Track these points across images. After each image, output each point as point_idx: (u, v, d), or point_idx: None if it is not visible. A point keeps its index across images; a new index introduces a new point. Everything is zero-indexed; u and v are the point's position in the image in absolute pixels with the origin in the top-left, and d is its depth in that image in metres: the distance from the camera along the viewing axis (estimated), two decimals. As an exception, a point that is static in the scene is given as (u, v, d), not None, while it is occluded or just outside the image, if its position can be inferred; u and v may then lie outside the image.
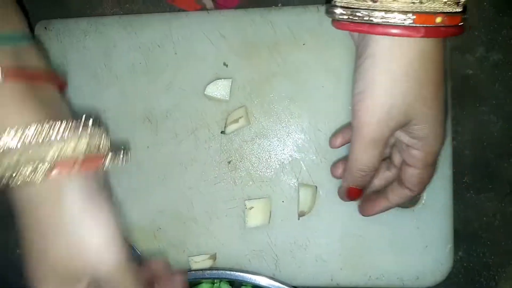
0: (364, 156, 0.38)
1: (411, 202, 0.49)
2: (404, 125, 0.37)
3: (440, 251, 0.48)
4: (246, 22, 0.49)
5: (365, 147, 0.38)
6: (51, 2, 0.55)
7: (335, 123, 0.49)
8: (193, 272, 0.48)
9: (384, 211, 0.44)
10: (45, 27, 0.52)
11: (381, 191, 0.44)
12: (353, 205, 0.49)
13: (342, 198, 0.45)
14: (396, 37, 0.34)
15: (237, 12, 0.50)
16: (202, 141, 0.50)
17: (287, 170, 0.50)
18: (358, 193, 0.43)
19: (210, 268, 0.49)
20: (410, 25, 0.33)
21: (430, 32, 0.33)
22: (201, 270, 0.48)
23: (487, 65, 0.51)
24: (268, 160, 0.50)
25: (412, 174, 0.39)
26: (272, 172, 0.50)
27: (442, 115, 0.37)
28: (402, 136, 0.39)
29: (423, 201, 0.49)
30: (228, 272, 0.47)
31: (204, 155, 0.50)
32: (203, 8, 0.52)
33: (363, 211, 0.46)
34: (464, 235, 0.51)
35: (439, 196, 0.48)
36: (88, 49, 0.52)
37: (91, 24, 0.52)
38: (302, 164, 0.50)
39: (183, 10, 0.52)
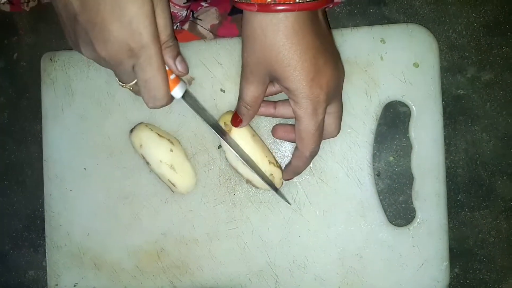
0: (245, 90, 0.44)
1: (407, 219, 0.50)
2: (273, 78, 0.42)
3: (436, 269, 0.49)
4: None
5: (245, 83, 0.44)
6: (56, 35, 0.57)
7: (329, 145, 0.50)
8: None
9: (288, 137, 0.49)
10: (51, 59, 0.55)
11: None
12: (351, 224, 0.50)
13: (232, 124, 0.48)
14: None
15: (233, 40, 0.51)
16: (202, 164, 0.52)
17: (285, 191, 0.51)
18: (240, 121, 0.47)
19: None
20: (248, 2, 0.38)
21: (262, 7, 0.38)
22: None
23: (478, 85, 0.51)
24: (266, 182, 0.51)
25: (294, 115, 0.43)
26: (270, 194, 0.51)
27: (302, 74, 0.40)
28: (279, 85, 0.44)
29: (418, 220, 0.50)
30: None
31: (204, 179, 0.52)
32: (202, 39, 0.54)
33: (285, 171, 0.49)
34: (460, 252, 0.52)
35: (434, 214, 0.49)
36: (92, 79, 0.54)
37: (94, 55, 0.54)
38: (299, 186, 0.51)
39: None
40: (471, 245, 0.52)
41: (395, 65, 0.50)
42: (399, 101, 0.50)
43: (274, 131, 0.50)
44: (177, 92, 0.45)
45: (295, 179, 0.51)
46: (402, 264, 0.50)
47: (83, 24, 0.39)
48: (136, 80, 0.43)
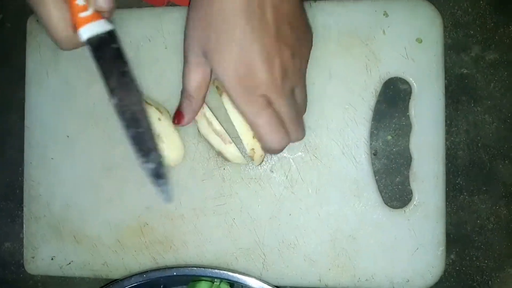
0: (192, 76, 0.41)
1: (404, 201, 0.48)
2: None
3: (432, 254, 0.47)
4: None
5: (190, 68, 0.41)
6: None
7: (325, 121, 0.48)
8: (194, 269, 0.47)
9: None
10: (37, 20, 0.52)
11: None
12: (345, 204, 0.48)
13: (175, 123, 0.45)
14: None
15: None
16: (191, 136, 0.50)
17: (277, 168, 0.49)
18: (182, 118, 0.44)
19: (211, 267, 0.48)
20: None
21: None
22: (202, 267, 0.47)
23: (482, 65, 0.49)
24: (258, 157, 0.49)
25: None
26: (261, 170, 0.49)
27: (226, 53, 0.37)
28: None
29: (415, 202, 0.48)
30: (231, 274, 0.46)
31: (193, 151, 0.50)
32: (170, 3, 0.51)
33: None
34: (457, 238, 0.50)
35: (431, 197, 0.47)
36: (79, 43, 0.51)
37: (82, 18, 0.51)
38: (292, 162, 0.49)
39: (173, 4, 0.52)
40: (469, 230, 0.50)
41: (398, 39, 0.48)
42: (400, 78, 0.48)
43: None
44: (83, 32, 0.36)
45: (288, 155, 0.49)
46: (396, 247, 0.48)
47: None
48: None
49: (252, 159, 0.46)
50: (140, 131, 0.40)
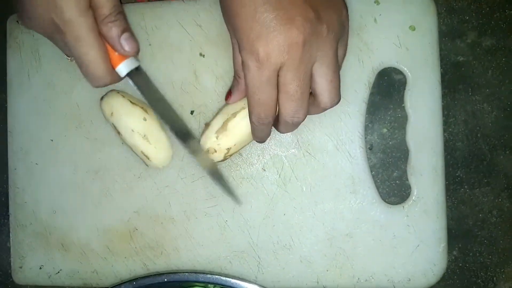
0: (233, 58, 0.41)
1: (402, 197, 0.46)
2: None
3: (433, 251, 0.45)
4: (223, 10, 0.47)
5: (233, 51, 0.41)
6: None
7: (318, 115, 0.46)
8: (186, 274, 0.45)
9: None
10: (17, 21, 0.51)
11: None
12: (340, 202, 0.46)
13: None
14: None
15: (214, 0, 0.47)
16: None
17: (269, 166, 0.47)
18: (230, 96, 0.44)
19: (204, 272, 0.46)
20: None
21: None
22: (195, 272, 0.45)
23: (479, 51, 0.48)
24: (249, 156, 0.47)
25: None
26: (253, 169, 0.47)
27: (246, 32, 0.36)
28: None
29: (413, 197, 0.46)
30: (225, 278, 0.45)
31: (181, 151, 0.48)
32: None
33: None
34: (459, 233, 0.48)
35: (430, 192, 0.46)
36: (61, 43, 0.50)
37: (63, 17, 0.50)
38: (284, 159, 0.47)
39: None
40: (471, 225, 0.48)
41: (390, 28, 0.46)
42: (393, 67, 0.46)
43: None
44: (122, 69, 0.41)
45: (280, 152, 0.47)
46: (395, 245, 0.46)
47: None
48: None
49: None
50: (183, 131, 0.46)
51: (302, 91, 0.37)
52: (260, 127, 0.41)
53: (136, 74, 0.42)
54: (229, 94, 0.44)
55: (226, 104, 0.45)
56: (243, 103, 0.44)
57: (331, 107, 0.40)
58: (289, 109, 0.38)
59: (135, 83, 0.43)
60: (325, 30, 0.36)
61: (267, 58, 0.35)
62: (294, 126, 0.40)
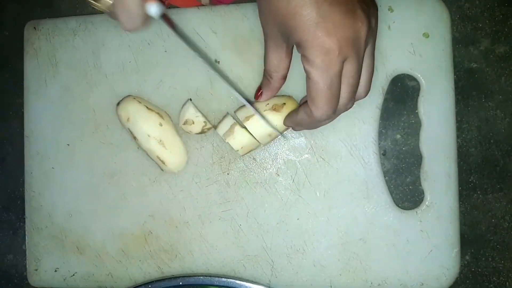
0: (265, 57, 0.41)
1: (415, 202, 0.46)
2: (286, 36, 0.38)
3: (446, 256, 0.46)
4: (238, 17, 0.48)
5: (265, 50, 0.41)
6: (40, 2, 0.54)
7: (332, 122, 0.47)
8: (201, 277, 0.46)
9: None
10: (34, 27, 0.51)
11: None
12: (354, 207, 0.46)
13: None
14: None
15: (229, 8, 0.48)
16: (194, 141, 0.48)
17: (283, 171, 0.48)
18: (260, 95, 0.44)
19: (218, 275, 0.46)
20: None
21: None
22: (210, 276, 0.46)
23: (492, 58, 0.48)
24: (263, 161, 0.48)
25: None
26: (267, 173, 0.48)
27: (303, 21, 0.35)
28: None
29: (427, 203, 0.46)
30: (239, 282, 0.46)
31: (196, 156, 0.48)
32: (170, 6, 0.50)
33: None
34: (472, 238, 0.48)
35: (444, 197, 0.46)
36: (78, 49, 0.50)
37: (80, 23, 0.50)
38: (298, 165, 0.47)
39: (174, 7, 0.50)
40: (484, 230, 0.48)
41: (404, 35, 0.46)
42: (407, 74, 0.47)
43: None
44: (153, 9, 0.38)
45: (294, 157, 0.47)
46: (409, 250, 0.46)
47: None
48: None
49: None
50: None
51: (358, 81, 0.38)
52: (327, 120, 0.41)
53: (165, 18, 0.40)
54: (259, 92, 0.44)
55: (256, 101, 0.45)
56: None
57: (364, 97, 0.41)
58: (347, 98, 0.39)
59: (168, 24, 0.39)
60: (374, 23, 0.38)
61: (339, 52, 0.35)
62: (337, 115, 0.41)
